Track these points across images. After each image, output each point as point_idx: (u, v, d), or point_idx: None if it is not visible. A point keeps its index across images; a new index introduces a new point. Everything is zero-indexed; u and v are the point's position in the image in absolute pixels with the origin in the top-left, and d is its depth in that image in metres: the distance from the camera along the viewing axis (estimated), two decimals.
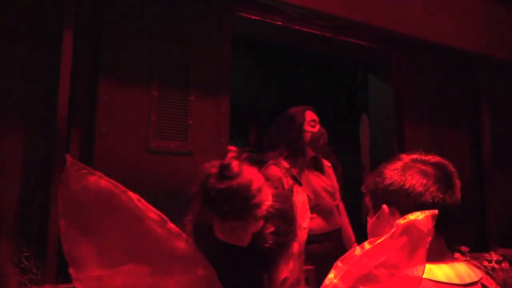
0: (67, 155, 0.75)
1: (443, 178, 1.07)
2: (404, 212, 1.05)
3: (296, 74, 4.70)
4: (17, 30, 2.08)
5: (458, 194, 1.09)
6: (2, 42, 2.04)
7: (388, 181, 1.08)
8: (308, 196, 2.27)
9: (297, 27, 2.92)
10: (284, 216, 0.75)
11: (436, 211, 0.94)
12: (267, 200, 0.71)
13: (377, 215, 1.10)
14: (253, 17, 2.77)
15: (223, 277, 0.71)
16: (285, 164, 2.33)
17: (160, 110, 2.34)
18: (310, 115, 2.52)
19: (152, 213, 0.71)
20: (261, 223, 0.70)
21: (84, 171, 0.74)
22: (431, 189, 1.04)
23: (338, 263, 0.90)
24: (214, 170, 0.69)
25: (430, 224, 0.92)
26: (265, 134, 2.68)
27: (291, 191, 0.83)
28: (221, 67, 2.55)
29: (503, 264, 2.37)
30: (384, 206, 1.08)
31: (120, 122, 2.22)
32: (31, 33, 2.11)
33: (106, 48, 2.24)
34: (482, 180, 3.53)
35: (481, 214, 3.51)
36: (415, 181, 1.05)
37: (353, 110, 4.10)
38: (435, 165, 1.09)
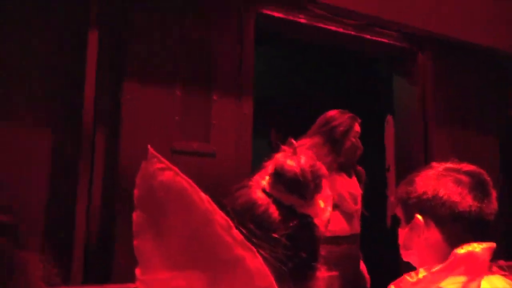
0: (149, 146, 0.71)
1: (478, 187, 1.03)
2: (439, 222, 1.02)
3: (320, 74, 4.65)
4: (42, 30, 2.10)
5: (495, 203, 1.05)
6: (26, 43, 2.06)
7: (421, 190, 1.05)
8: None
9: (321, 25, 2.88)
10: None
11: (494, 244, 0.92)
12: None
13: (409, 226, 1.06)
14: (276, 14, 2.73)
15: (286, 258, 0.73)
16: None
17: (183, 110, 2.33)
18: (357, 127, 2.59)
19: (219, 216, 0.68)
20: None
21: (162, 165, 0.71)
22: (467, 198, 1.01)
23: (391, 287, 0.90)
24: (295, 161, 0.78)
25: (488, 257, 0.91)
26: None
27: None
28: (244, 66, 2.54)
29: None
30: (418, 216, 1.04)
31: (144, 122, 2.22)
32: (56, 33, 2.12)
33: (130, 48, 2.24)
34: None
35: None
36: (450, 190, 1.02)
37: (377, 110, 4.03)
38: (470, 174, 1.05)
